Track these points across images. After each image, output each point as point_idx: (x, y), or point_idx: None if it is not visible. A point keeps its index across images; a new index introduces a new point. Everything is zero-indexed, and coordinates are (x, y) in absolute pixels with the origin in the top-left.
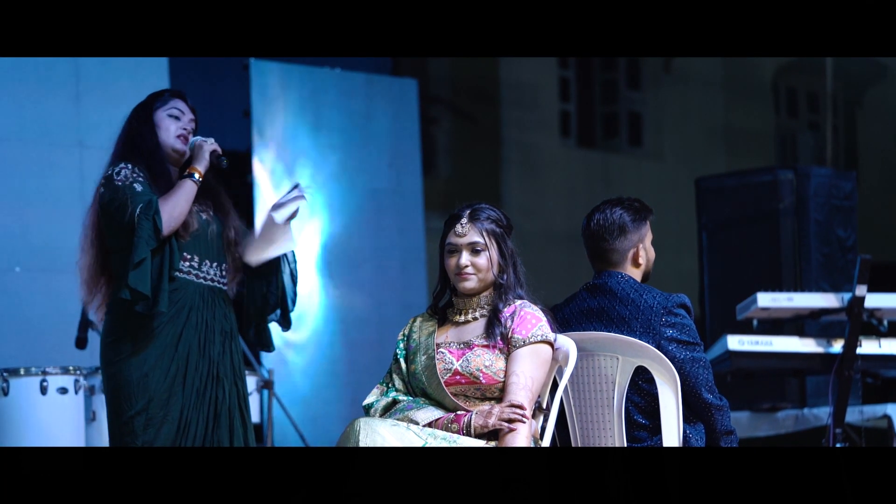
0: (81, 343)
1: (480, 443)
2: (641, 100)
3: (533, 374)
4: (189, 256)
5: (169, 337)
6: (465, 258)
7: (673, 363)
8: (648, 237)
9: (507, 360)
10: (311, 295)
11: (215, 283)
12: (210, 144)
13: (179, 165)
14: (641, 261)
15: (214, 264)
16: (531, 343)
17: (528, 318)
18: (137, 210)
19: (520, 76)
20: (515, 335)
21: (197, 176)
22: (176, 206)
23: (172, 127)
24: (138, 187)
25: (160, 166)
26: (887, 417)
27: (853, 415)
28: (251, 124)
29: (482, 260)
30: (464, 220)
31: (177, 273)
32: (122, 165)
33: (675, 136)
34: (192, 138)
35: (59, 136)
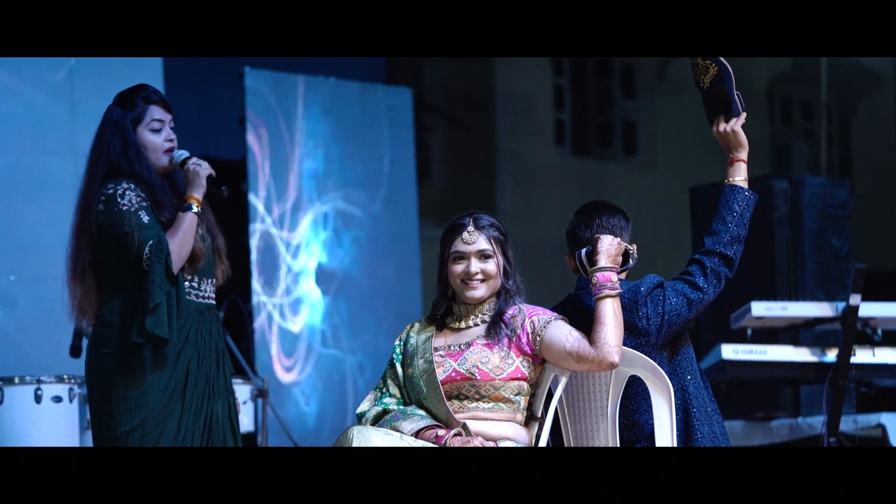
0: (76, 351)
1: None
2: (636, 108)
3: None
4: (190, 277)
5: (168, 354)
6: (475, 265)
7: (663, 324)
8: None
9: (533, 351)
10: (305, 303)
11: (209, 300)
12: (205, 169)
13: (165, 173)
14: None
15: (210, 280)
16: (557, 319)
17: (539, 308)
18: (147, 249)
19: (514, 84)
20: (537, 317)
21: (196, 206)
22: (184, 246)
23: (157, 142)
24: (145, 217)
25: (160, 191)
26: (881, 426)
27: (847, 424)
28: (246, 133)
29: (491, 266)
30: (470, 228)
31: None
32: (125, 185)
33: (670, 144)
34: (178, 151)
35: (53, 144)
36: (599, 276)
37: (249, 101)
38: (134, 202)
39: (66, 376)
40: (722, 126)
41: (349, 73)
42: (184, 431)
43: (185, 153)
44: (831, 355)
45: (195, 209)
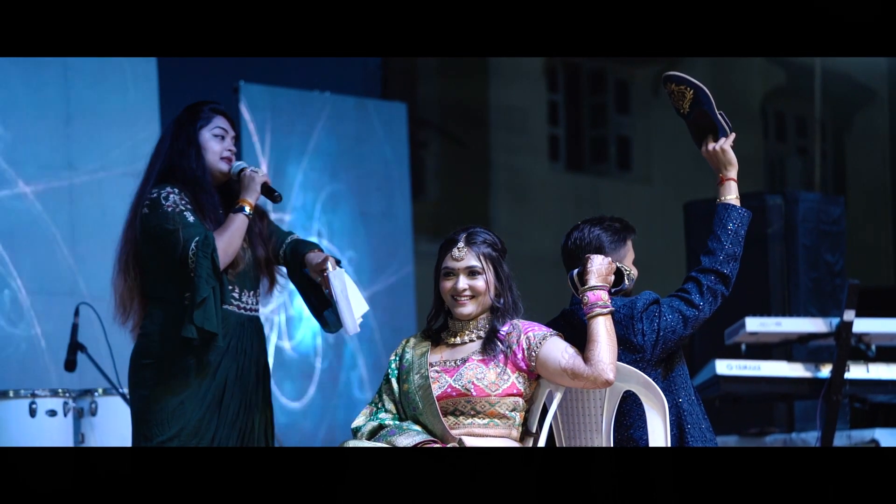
0: (71, 365)
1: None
2: (630, 124)
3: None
4: (231, 287)
5: (208, 365)
6: (463, 282)
7: (658, 340)
8: (629, 258)
9: (528, 368)
10: (299, 317)
11: (252, 312)
12: (261, 176)
13: (219, 185)
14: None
15: (251, 293)
16: (553, 335)
17: (534, 324)
18: (193, 245)
19: (508, 100)
20: (532, 333)
21: (248, 209)
22: (230, 244)
23: (217, 147)
24: (189, 217)
25: (207, 195)
26: (875, 442)
27: (841, 439)
28: (240, 148)
29: (480, 283)
30: (460, 244)
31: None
32: (169, 189)
33: (664, 160)
34: (236, 162)
35: (48, 158)
36: (590, 296)
37: (244, 116)
38: (178, 204)
39: (60, 390)
40: (711, 146)
41: (344, 88)
42: (218, 443)
43: (243, 164)
44: (825, 371)
45: (247, 212)
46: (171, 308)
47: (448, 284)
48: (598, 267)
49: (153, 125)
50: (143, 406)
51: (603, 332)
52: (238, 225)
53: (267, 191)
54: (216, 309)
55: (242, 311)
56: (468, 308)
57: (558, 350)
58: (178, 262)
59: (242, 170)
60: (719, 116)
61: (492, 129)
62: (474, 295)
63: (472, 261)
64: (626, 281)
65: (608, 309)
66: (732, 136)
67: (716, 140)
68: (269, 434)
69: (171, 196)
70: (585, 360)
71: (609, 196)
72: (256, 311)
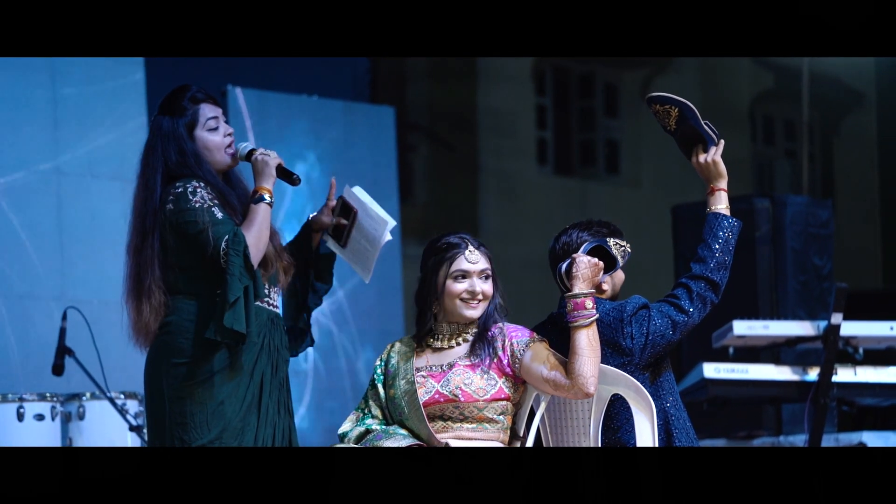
0: (58, 370)
1: None
2: (619, 127)
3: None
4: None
5: (245, 363)
6: (479, 285)
7: (647, 344)
8: None
9: (514, 373)
10: None
11: (276, 308)
12: (274, 159)
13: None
14: (606, 287)
15: (275, 288)
16: (536, 341)
17: (518, 328)
18: (223, 244)
19: (497, 103)
20: (516, 339)
21: (268, 197)
22: (260, 238)
23: (218, 140)
24: (218, 213)
25: (228, 194)
26: (862, 445)
27: (829, 442)
28: None
29: (489, 286)
30: (471, 248)
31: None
32: (196, 184)
33: (653, 163)
34: (242, 145)
35: (36, 162)
36: (574, 303)
37: (232, 119)
38: (206, 199)
39: (48, 394)
40: (702, 157)
41: (332, 92)
42: (261, 444)
43: (250, 145)
44: (813, 374)
45: (268, 199)
46: (204, 302)
47: (459, 287)
48: (584, 271)
49: (141, 129)
50: (178, 409)
51: (584, 344)
52: (262, 216)
53: (283, 173)
54: (248, 310)
55: (271, 307)
56: (478, 311)
57: (540, 359)
58: (210, 261)
59: (251, 152)
60: (706, 127)
61: (480, 132)
62: (484, 298)
63: (485, 263)
64: (620, 260)
65: (591, 319)
66: (721, 144)
67: (705, 150)
68: (294, 434)
69: (199, 191)
70: (567, 372)
71: (597, 199)
72: (278, 307)
